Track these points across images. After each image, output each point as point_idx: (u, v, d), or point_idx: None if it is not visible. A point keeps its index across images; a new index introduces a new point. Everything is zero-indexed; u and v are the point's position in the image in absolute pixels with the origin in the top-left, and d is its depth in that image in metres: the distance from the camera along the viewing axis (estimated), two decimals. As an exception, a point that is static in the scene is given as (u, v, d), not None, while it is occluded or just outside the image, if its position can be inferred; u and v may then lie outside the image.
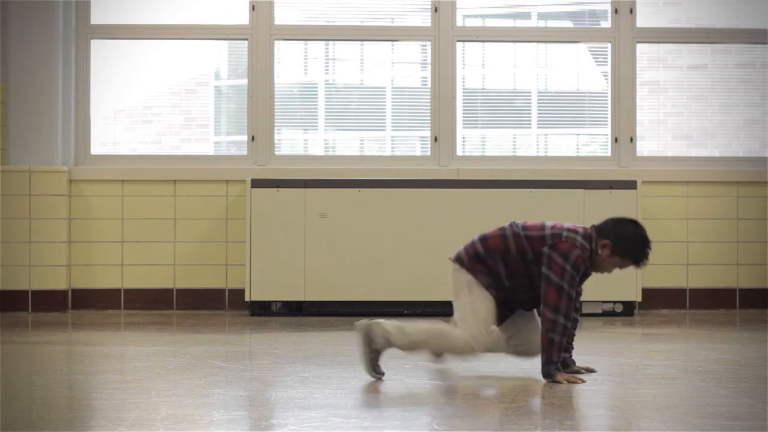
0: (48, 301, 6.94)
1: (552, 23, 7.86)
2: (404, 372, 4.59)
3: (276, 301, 6.84)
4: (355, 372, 4.59)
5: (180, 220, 7.08)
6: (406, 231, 6.83)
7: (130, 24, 7.25)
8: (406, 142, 7.67)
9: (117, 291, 7.07)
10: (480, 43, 7.45)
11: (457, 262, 4.59)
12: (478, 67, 7.56)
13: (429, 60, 7.26)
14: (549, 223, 4.62)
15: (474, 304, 4.49)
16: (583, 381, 4.37)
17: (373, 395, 4.18)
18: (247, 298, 6.81)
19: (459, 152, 7.27)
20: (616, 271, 7.04)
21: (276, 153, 7.22)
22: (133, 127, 7.70)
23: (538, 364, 4.39)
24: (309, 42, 7.50)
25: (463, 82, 7.41)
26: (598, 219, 6.82)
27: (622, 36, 7.28)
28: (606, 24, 7.37)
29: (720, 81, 7.47)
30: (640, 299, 6.87)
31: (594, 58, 7.55)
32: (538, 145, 7.59)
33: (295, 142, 7.65)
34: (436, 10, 7.23)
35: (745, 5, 7.55)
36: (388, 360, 4.85)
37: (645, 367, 4.89)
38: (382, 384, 4.34)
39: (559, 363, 4.41)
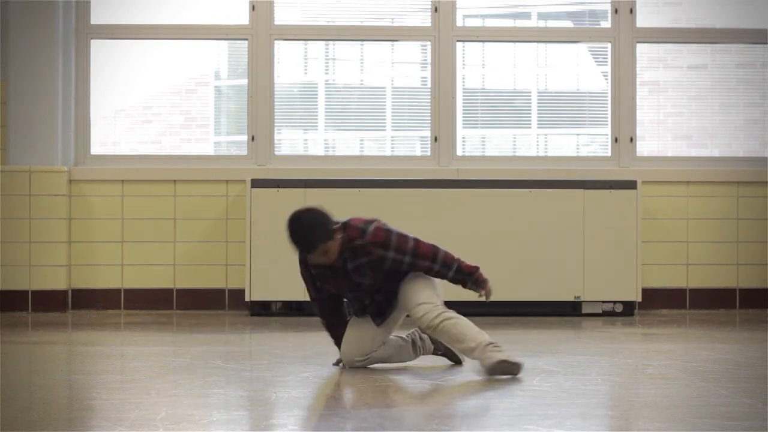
0: (48, 301, 6.94)
1: (552, 23, 7.86)
2: (404, 372, 4.59)
3: (276, 301, 6.84)
4: (355, 372, 4.59)
5: (180, 220, 7.08)
6: (405, 231, 6.81)
7: (130, 24, 7.25)
8: (406, 142, 7.66)
9: (117, 291, 7.07)
10: (480, 43, 7.45)
11: None
12: (478, 67, 7.56)
13: (429, 60, 7.26)
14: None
15: None
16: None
17: (373, 395, 4.18)
18: (247, 298, 6.81)
19: (459, 152, 7.27)
20: (616, 270, 7.08)
21: (276, 153, 7.22)
22: (133, 127, 7.70)
23: (538, 364, 4.36)
24: (309, 42, 7.50)
25: (463, 82, 7.41)
26: (598, 219, 6.86)
27: (622, 36, 7.28)
28: (606, 24, 7.37)
29: (720, 81, 7.47)
30: (640, 299, 6.87)
31: (594, 58, 7.55)
32: (538, 145, 7.59)
33: (295, 142, 7.65)
34: (436, 10, 7.22)
35: (745, 5, 7.55)
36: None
37: (645, 367, 4.89)
38: (382, 384, 4.34)
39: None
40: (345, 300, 4.74)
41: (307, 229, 4.52)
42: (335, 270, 4.56)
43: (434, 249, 4.59)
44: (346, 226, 4.57)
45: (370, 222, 4.61)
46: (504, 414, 3.77)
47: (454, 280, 4.62)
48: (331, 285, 4.64)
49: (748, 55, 7.50)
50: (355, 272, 4.54)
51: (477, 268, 4.63)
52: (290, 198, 6.80)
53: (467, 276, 4.61)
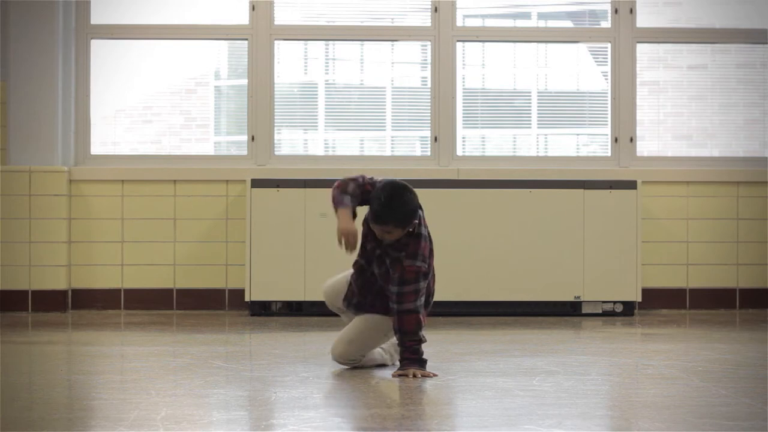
0: (48, 301, 6.94)
1: (552, 23, 7.86)
2: (404, 372, 4.59)
3: (276, 301, 6.84)
4: (355, 372, 4.59)
5: (180, 220, 7.08)
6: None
7: (130, 24, 7.25)
8: (406, 142, 7.66)
9: (117, 291, 7.07)
10: (480, 43, 7.45)
11: None
12: (478, 67, 7.56)
13: (429, 60, 7.26)
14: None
15: None
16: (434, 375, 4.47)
17: (373, 395, 4.18)
18: (247, 298, 6.81)
19: (459, 152, 7.27)
20: (616, 270, 7.03)
21: (276, 153, 7.22)
22: (133, 127, 7.70)
23: (538, 364, 4.37)
24: (309, 42, 7.50)
25: (463, 82, 7.41)
26: (598, 219, 6.86)
27: (622, 36, 7.28)
28: (606, 24, 7.37)
29: (720, 81, 7.47)
30: (640, 299, 6.87)
31: (594, 58, 7.55)
32: (538, 145, 7.59)
33: (295, 142, 7.65)
34: (436, 10, 7.23)
35: (745, 5, 7.55)
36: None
37: (645, 367, 4.89)
38: (382, 384, 4.34)
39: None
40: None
41: (395, 206, 4.40)
42: (379, 242, 4.55)
43: (414, 305, 4.48)
44: (419, 236, 4.49)
45: (425, 257, 4.50)
46: (504, 414, 3.77)
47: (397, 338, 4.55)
48: (369, 245, 4.60)
49: (748, 55, 7.50)
50: (379, 260, 4.55)
51: (423, 358, 4.50)
52: (290, 198, 6.81)
53: (407, 350, 4.49)
